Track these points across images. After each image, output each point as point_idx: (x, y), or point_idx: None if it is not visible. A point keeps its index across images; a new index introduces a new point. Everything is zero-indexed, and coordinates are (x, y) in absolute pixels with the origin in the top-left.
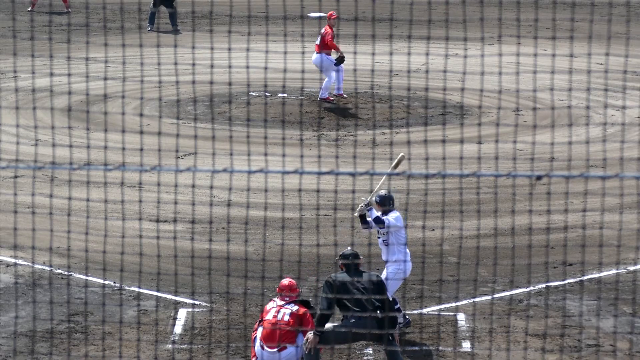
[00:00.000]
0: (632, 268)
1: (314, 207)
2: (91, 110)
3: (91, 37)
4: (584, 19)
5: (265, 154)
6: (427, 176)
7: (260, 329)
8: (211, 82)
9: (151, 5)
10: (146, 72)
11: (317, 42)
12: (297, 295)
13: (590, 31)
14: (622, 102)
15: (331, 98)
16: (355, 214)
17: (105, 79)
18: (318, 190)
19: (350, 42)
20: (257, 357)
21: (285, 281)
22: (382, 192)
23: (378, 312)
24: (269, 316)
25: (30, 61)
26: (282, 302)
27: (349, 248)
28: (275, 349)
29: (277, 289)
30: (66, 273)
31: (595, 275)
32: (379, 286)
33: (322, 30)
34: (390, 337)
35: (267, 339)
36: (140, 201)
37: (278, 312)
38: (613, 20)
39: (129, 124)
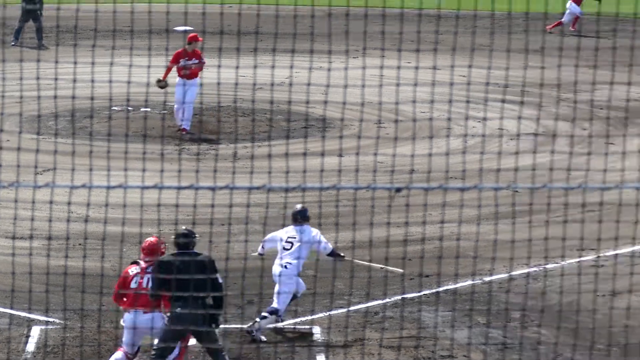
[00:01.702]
0: (487, 279)
1: (172, 222)
2: None
3: None
4: (448, 31)
5: (125, 169)
6: (287, 189)
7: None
8: (73, 97)
9: (19, 20)
10: (8, 87)
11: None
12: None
13: (454, 43)
14: (483, 114)
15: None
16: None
17: None
18: (177, 205)
19: (215, 55)
20: (127, 326)
21: (147, 241)
22: (298, 206)
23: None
24: (134, 284)
25: None
26: (145, 266)
27: (184, 227)
28: (150, 313)
29: (141, 248)
30: None
31: (451, 287)
32: (206, 267)
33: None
34: (210, 333)
35: (140, 304)
36: None
37: (143, 278)
38: (477, 32)
39: None
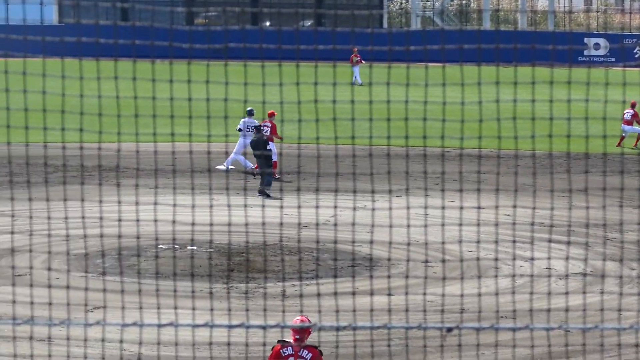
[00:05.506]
0: None
1: None
2: None
3: None
4: (490, 171)
5: (175, 307)
6: (337, 328)
7: None
8: (119, 236)
9: None
10: (54, 225)
11: None
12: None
13: (497, 183)
14: (531, 254)
15: None
16: None
17: (12, 233)
18: (229, 344)
19: (257, 194)
20: None
21: (298, 319)
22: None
23: None
24: None
25: None
26: (298, 349)
27: None
28: None
29: (293, 333)
30: None
31: None
32: None
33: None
34: None
35: None
36: (49, 356)
37: None
38: (519, 172)
39: (37, 278)
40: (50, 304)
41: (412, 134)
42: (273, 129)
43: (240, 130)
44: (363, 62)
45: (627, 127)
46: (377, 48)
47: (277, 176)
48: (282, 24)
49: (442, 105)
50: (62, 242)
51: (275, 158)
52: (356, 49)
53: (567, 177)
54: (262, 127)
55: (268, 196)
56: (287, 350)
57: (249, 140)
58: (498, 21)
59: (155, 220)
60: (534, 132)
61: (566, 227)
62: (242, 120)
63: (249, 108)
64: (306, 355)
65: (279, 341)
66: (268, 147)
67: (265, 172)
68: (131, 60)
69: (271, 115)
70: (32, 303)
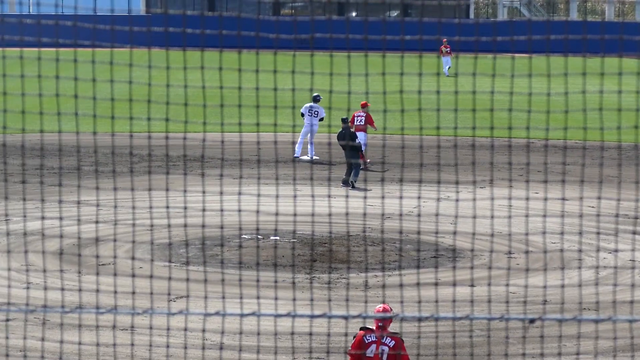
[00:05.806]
0: None
1: (306, 351)
2: (83, 253)
3: (82, 180)
4: (575, 162)
5: (258, 297)
6: (419, 319)
7: None
8: (203, 226)
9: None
10: (138, 215)
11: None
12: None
13: (581, 174)
14: (615, 246)
15: None
16: None
17: (97, 222)
18: (311, 334)
19: (340, 185)
20: None
21: (380, 307)
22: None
23: None
24: (369, 352)
25: (21, 204)
26: (379, 336)
27: None
28: None
29: (376, 321)
30: None
31: None
32: None
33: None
34: None
35: None
36: (132, 344)
37: (378, 349)
38: (604, 163)
39: (121, 267)
40: (133, 293)
41: (497, 124)
42: (368, 118)
43: (303, 115)
44: (452, 53)
45: None
46: (464, 39)
47: (362, 167)
48: (369, 14)
49: (527, 96)
50: (146, 232)
51: (362, 149)
52: (445, 40)
53: None
54: (355, 118)
55: (353, 187)
56: (370, 337)
57: (309, 126)
58: (585, 12)
59: (239, 210)
60: (620, 123)
61: None
62: (305, 105)
63: (315, 94)
64: (389, 342)
65: (361, 328)
66: (357, 140)
67: (354, 163)
68: (218, 50)
69: (364, 105)
70: (115, 292)
